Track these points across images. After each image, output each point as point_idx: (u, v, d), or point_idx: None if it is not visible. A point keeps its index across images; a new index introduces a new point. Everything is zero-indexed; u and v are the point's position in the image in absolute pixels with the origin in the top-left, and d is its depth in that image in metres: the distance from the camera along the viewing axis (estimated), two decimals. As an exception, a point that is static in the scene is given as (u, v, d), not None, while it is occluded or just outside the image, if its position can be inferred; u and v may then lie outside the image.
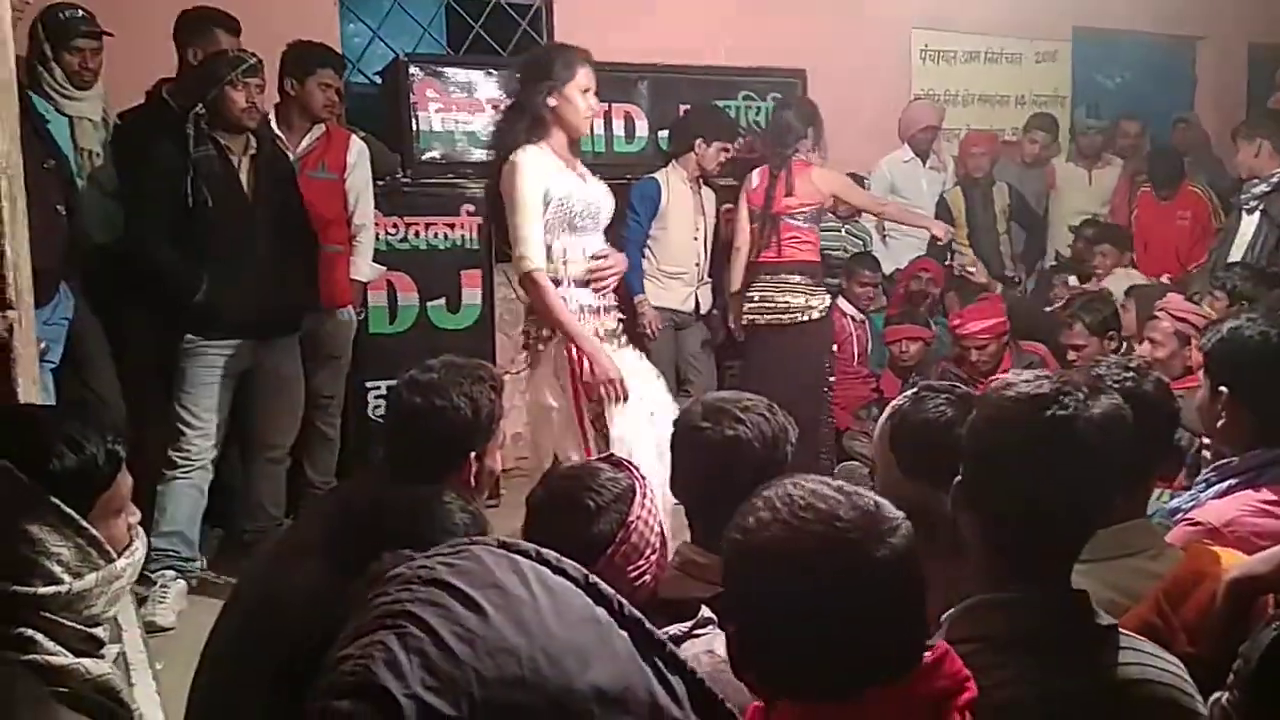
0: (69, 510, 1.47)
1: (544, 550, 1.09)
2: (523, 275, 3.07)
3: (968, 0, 6.08)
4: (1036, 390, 1.37)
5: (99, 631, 1.52)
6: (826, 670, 1.11)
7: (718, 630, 1.57)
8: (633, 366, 3.15)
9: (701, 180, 4.85)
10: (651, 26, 5.21)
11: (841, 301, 5.22)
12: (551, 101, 3.11)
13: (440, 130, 4.70)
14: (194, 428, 3.58)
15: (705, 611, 1.63)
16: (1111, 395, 1.43)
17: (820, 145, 4.83)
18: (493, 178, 3.20)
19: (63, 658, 1.43)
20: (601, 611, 1.07)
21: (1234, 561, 1.59)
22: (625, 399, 3.04)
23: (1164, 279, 5.15)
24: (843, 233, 5.59)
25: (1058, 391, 1.36)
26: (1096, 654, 1.35)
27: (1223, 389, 2.04)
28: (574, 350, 3.04)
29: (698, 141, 4.74)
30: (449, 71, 4.77)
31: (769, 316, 4.64)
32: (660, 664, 1.07)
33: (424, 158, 4.66)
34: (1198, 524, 1.90)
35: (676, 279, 4.83)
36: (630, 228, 4.63)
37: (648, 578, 1.78)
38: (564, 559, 1.10)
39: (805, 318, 4.62)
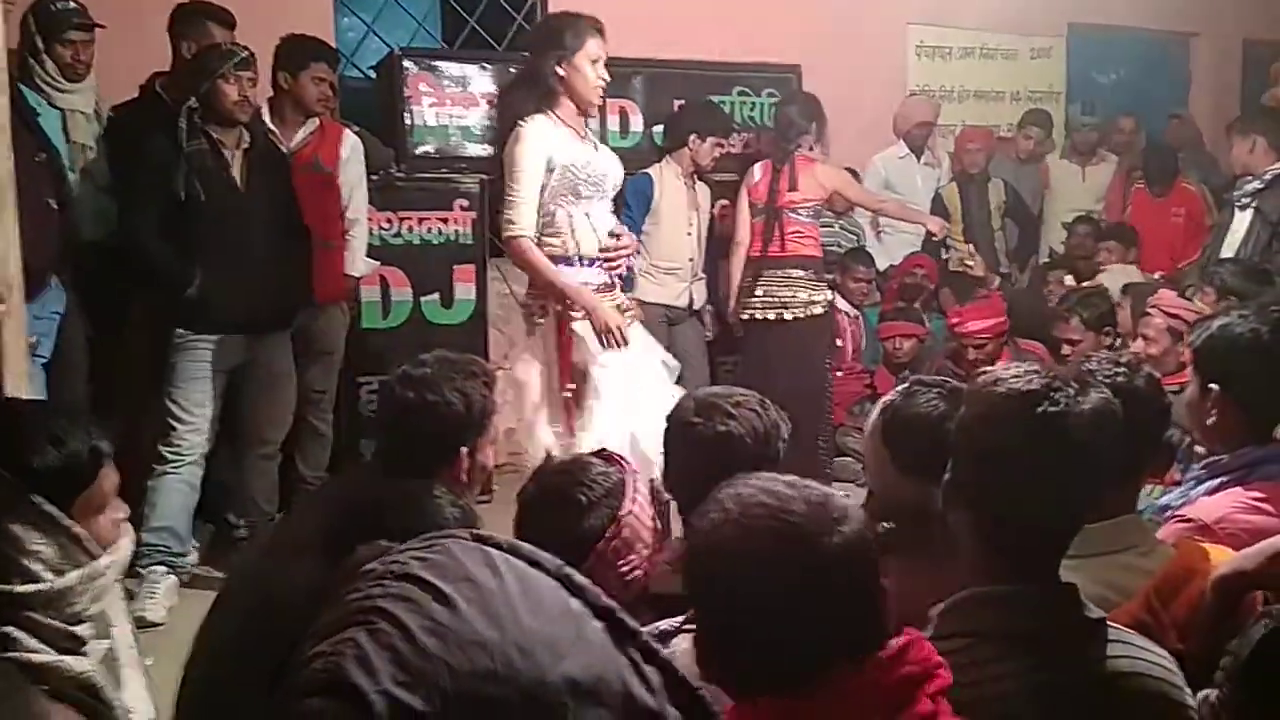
0: (50, 508, 1.46)
1: (517, 542, 1.10)
2: (506, 240, 3.07)
3: (963, -4, 6.11)
4: (1027, 386, 1.37)
5: (81, 629, 1.51)
6: (788, 662, 1.13)
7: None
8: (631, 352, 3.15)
9: (696, 175, 4.84)
10: (646, 21, 5.20)
11: (836, 297, 5.22)
12: (560, 71, 3.10)
13: (434, 125, 4.69)
14: (185, 423, 3.57)
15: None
16: (1102, 390, 1.43)
17: (823, 141, 4.83)
18: (500, 145, 3.19)
19: (44, 655, 1.43)
20: (576, 603, 1.07)
21: (1224, 558, 1.60)
22: (625, 344, 3.06)
23: (1157, 275, 5.16)
24: (837, 228, 5.59)
25: (1048, 387, 1.36)
26: (1086, 647, 1.36)
27: (1212, 386, 2.04)
28: (566, 330, 3.04)
29: (691, 137, 4.73)
30: (443, 66, 4.76)
31: (772, 311, 4.64)
32: (635, 654, 1.08)
33: (418, 152, 4.65)
34: (1188, 520, 1.90)
35: (670, 274, 4.82)
36: (623, 223, 4.62)
37: (639, 572, 1.78)
38: (538, 550, 1.10)
39: (808, 313, 4.62)
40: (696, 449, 1.94)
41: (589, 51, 3.12)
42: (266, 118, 3.94)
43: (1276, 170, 4.45)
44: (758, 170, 4.76)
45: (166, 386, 3.57)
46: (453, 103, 4.71)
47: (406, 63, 4.66)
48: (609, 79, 3.26)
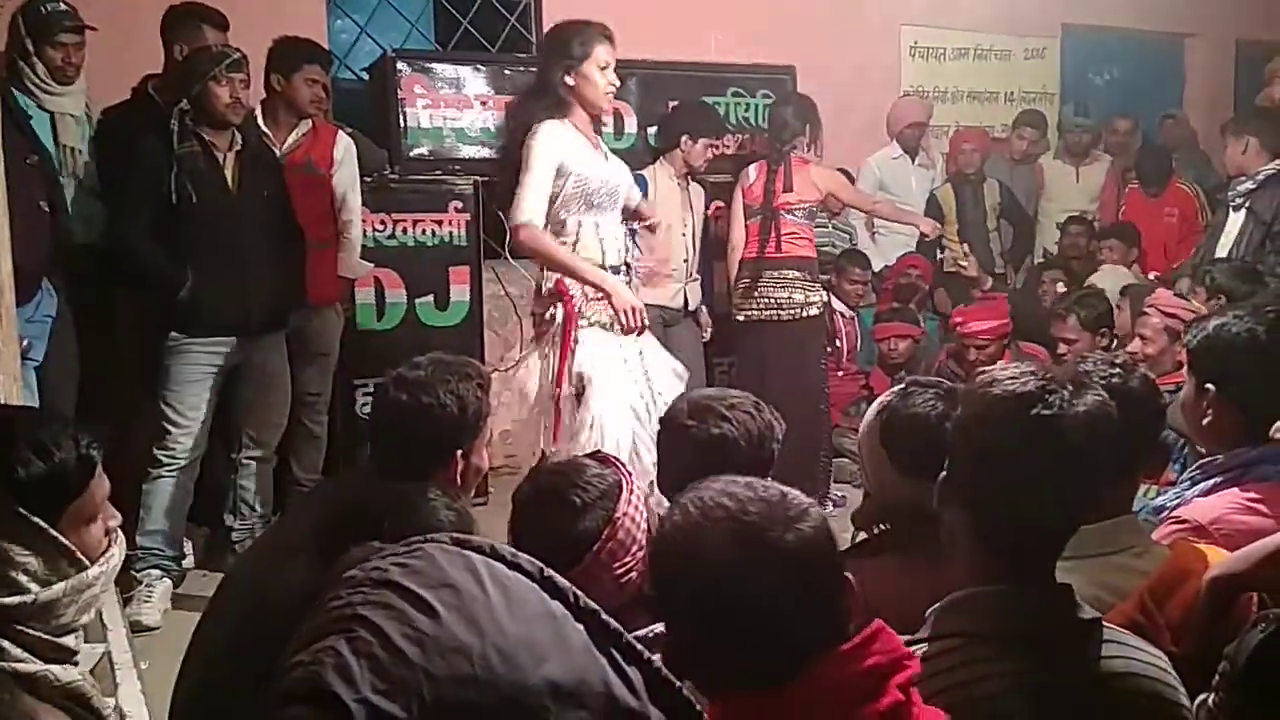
0: (36, 519, 1.43)
1: (498, 545, 1.10)
2: (514, 228, 3.07)
3: (957, -3, 6.12)
4: (1022, 388, 1.37)
5: (69, 640, 1.49)
6: (753, 660, 1.15)
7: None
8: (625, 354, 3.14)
9: (690, 176, 4.84)
10: (640, 22, 5.18)
11: (831, 299, 5.23)
12: (569, 80, 3.10)
13: (428, 126, 4.68)
14: (179, 426, 3.56)
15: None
16: (1097, 392, 1.43)
17: (817, 142, 4.84)
18: (513, 152, 3.16)
19: (31, 664, 1.41)
20: (557, 605, 1.08)
21: (1220, 559, 1.60)
22: (644, 329, 3.07)
23: (1151, 276, 5.16)
24: (830, 228, 5.60)
25: (1043, 389, 1.36)
26: (1081, 648, 1.36)
27: (1209, 386, 2.03)
28: (571, 337, 3.03)
29: (683, 138, 4.74)
30: (437, 67, 4.75)
31: (768, 312, 4.64)
32: (617, 655, 1.08)
33: (412, 154, 4.64)
34: (1184, 521, 1.90)
35: (664, 275, 4.81)
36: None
37: (634, 574, 1.77)
38: (519, 553, 1.11)
39: (803, 314, 4.63)
40: (691, 451, 1.93)
41: (597, 59, 3.12)
42: (259, 120, 3.93)
43: (1270, 170, 4.46)
44: (752, 171, 4.76)
45: (160, 390, 3.56)
46: (446, 104, 4.70)
47: (400, 64, 4.65)
48: (619, 85, 3.26)
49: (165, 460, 3.55)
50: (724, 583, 1.14)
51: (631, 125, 5.08)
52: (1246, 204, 4.50)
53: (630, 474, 1.84)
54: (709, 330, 5.03)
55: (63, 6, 3.58)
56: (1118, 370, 1.91)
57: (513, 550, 1.12)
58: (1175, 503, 2.05)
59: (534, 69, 4.57)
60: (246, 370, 3.71)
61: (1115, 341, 4.09)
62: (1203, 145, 6.47)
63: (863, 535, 1.94)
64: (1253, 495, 1.91)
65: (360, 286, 4.36)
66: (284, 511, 3.74)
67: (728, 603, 1.14)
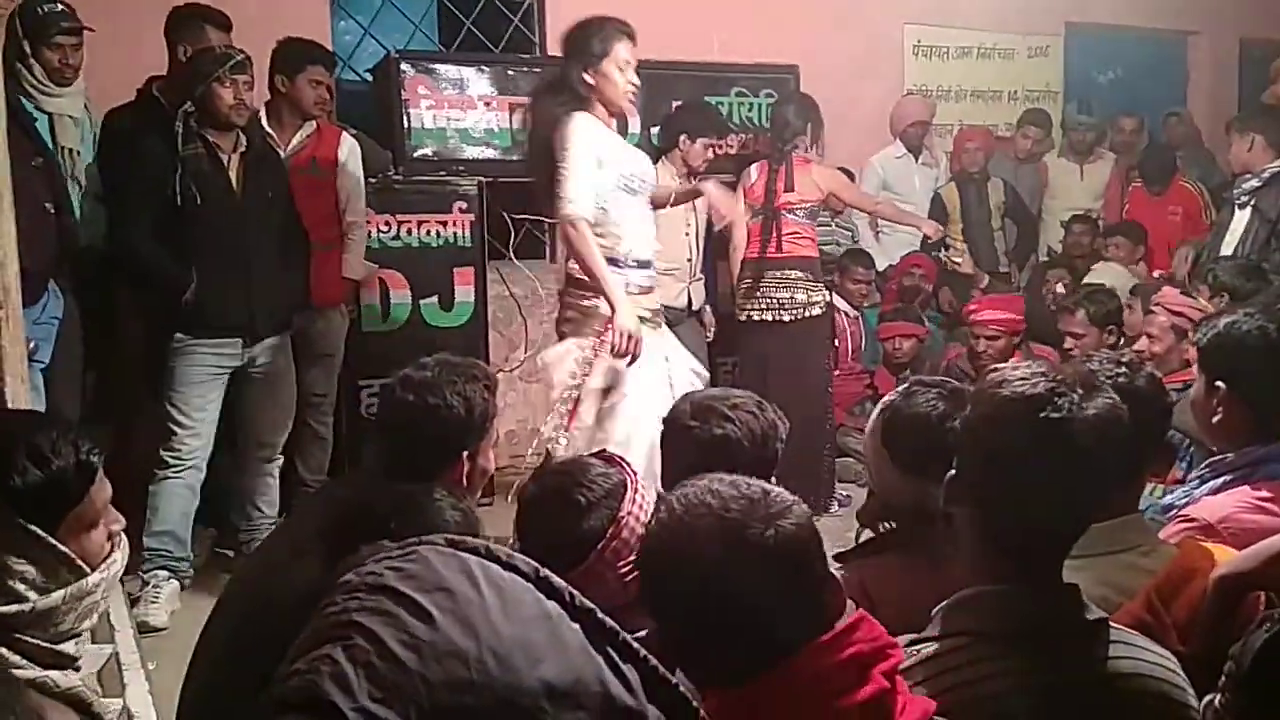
0: (33, 528, 1.42)
1: (494, 546, 1.10)
2: (563, 217, 3.04)
3: (960, -4, 6.11)
4: (1031, 390, 1.36)
5: (68, 646, 1.48)
6: (737, 654, 1.16)
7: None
8: (654, 354, 3.14)
9: (691, 176, 4.84)
10: (643, 22, 5.16)
11: (835, 298, 5.22)
12: (588, 78, 3.10)
13: (432, 127, 4.68)
14: (185, 427, 3.56)
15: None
16: (1107, 394, 1.42)
17: (819, 142, 4.83)
18: (535, 143, 3.16)
19: (30, 671, 1.40)
20: (552, 605, 1.08)
21: (1227, 558, 1.59)
22: (637, 358, 3.03)
23: (1156, 274, 5.15)
24: (833, 226, 5.60)
25: (1053, 392, 1.35)
26: (1088, 647, 1.36)
27: (1219, 384, 2.03)
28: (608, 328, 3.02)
29: (682, 138, 4.74)
30: (441, 68, 4.76)
31: (771, 313, 4.63)
32: (613, 653, 1.09)
33: (416, 155, 4.65)
34: (1192, 520, 1.89)
35: (668, 275, 4.80)
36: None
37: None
38: (514, 554, 1.11)
39: (806, 314, 4.62)
40: (694, 452, 1.93)
41: (617, 57, 3.11)
42: (263, 121, 3.93)
43: (1275, 168, 4.45)
44: (754, 171, 4.76)
45: (166, 391, 3.56)
46: (450, 105, 4.71)
47: (404, 65, 4.66)
48: (638, 84, 3.24)
49: (171, 462, 3.55)
50: (708, 579, 1.16)
51: (635, 125, 5.07)
52: (1252, 202, 4.49)
53: (635, 473, 1.84)
54: (712, 330, 5.03)
55: (59, 7, 3.55)
56: (1124, 369, 1.91)
57: (508, 550, 1.12)
58: (1184, 501, 2.05)
59: (537, 69, 4.60)
60: (252, 371, 3.71)
61: (1123, 339, 4.08)
62: (1207, 143, 6.45)
63: (868, 534, 1.94)
64: (1263, 494, 1.90)
65: (365, 287, 4.35)
66: (290, 513, 3.74)
67: (712, 599, 1.16)
